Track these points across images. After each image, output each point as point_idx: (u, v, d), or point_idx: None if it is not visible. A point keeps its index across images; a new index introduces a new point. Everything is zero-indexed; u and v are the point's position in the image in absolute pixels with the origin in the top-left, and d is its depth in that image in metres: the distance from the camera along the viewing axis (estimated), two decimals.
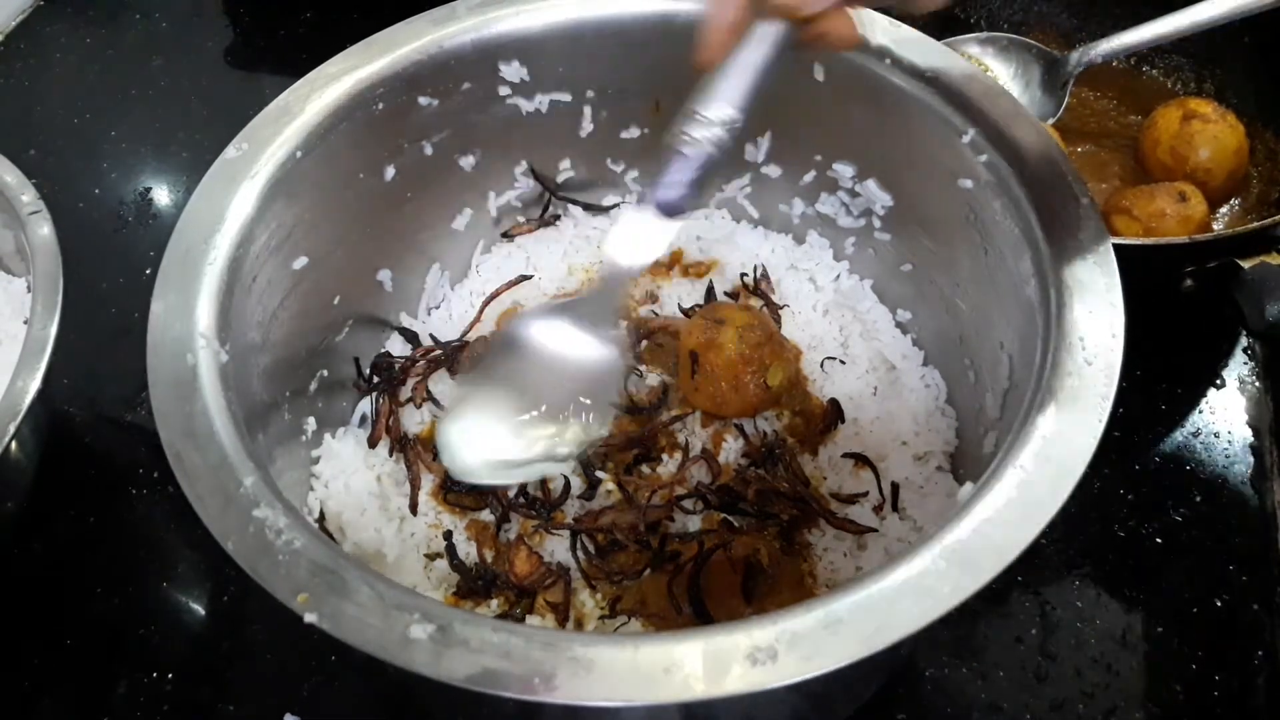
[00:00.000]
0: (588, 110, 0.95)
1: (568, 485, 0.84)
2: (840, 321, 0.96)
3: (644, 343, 0.93)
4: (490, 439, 0.70)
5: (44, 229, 0.89)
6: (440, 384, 0.92)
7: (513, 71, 0.90)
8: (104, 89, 1.37)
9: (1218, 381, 1.01)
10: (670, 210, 0.66)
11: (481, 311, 0.96)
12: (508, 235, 1.02)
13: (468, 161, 0.95)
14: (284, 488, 0.65)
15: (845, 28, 0.64)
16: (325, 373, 0.88)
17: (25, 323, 0.84)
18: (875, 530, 0.81)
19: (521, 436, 0.70)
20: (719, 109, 0.63)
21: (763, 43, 0.63)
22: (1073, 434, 0.62)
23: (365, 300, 0.94)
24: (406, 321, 0.98)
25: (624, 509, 0.82)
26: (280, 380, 0.81)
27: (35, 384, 0.80)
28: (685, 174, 0.64)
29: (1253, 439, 0.97)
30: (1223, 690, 0.82)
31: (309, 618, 0.55)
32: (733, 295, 0.97)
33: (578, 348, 0.71)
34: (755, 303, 0.95)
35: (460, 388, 0.73)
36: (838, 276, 0.98)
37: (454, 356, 0.91)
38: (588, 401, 0.70)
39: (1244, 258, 0.89)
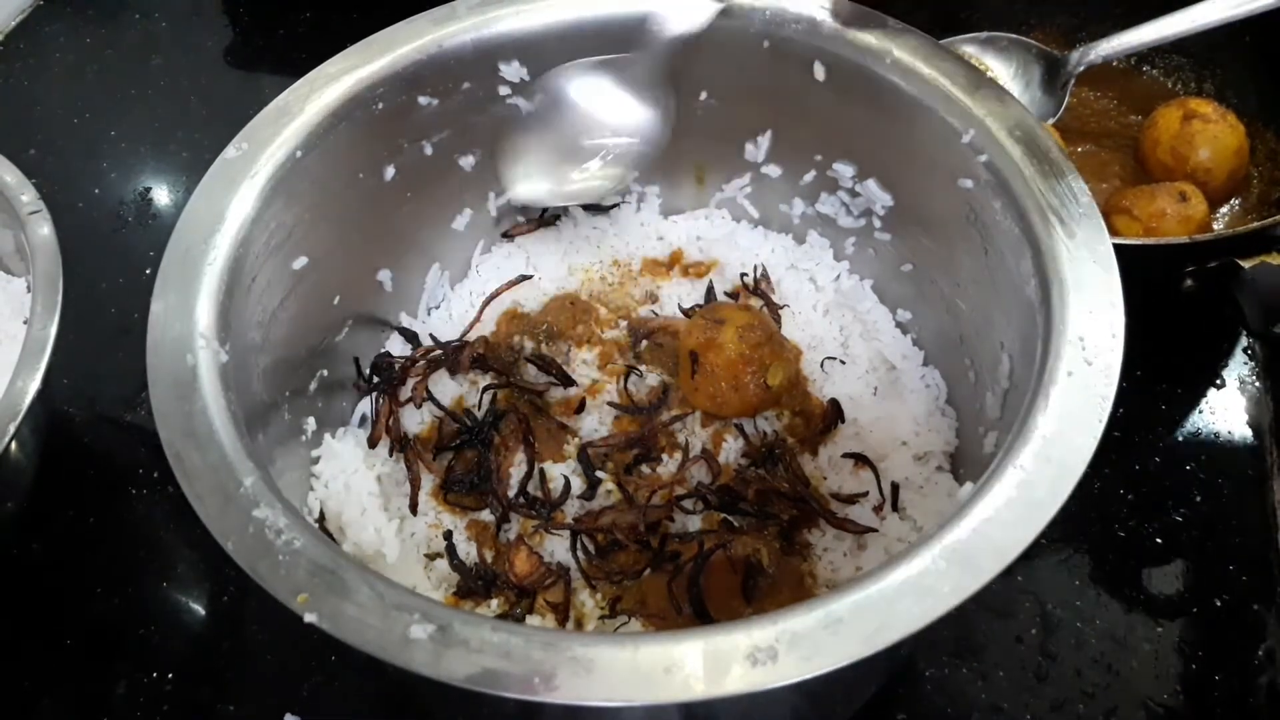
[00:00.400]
0: None
1: (568, 485, 0.84)
2: (840, 321, 0.96)
3: (644, 343, 0.93)
4: (543, 167, 0.87)
5: (44, 229, 0.89)
6: (440, 384, 0.92)
7: (513, 71, 0.90)
8: (103, 88, 1.37)
9: (1218, 381, 1.01)
10: None
11: (481, 311, 0.96)
12: (508, 235, 1.02)
13: (468, 161, 0.95)
14: (284, 488, 0.65)
15: None
16: (325, 373, 0.88)
17: (25, 323, 0.84)
18: (875, 530, 0.81)
19: (569, 167, 0.87)
20: None
21: None
22: (1073, 434, 0.62)
23: (365, 300, 0.94)
24: (406, 321, 0.98)
25: (624, 509, 0.82)
26: (280, 380, 0.81)
27: (35, 384, 0.80)
28: None
29: (1253, 439, 0.97)
30: (1223, 690, 0.82)
31: (309, 618, 0.55)
32: (733, 295, 0.97)
33: (621, 103, 0.85)
34: (755, 303, 0.95)
35: (516, 130, 0.88)
36: (838, 276, 0.98)
37: (454, 356, 0.91)
38: (627, 147, 0.86)
39: (1244, 258, 0.89)
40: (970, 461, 0.85)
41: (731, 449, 0.86)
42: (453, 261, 1.01)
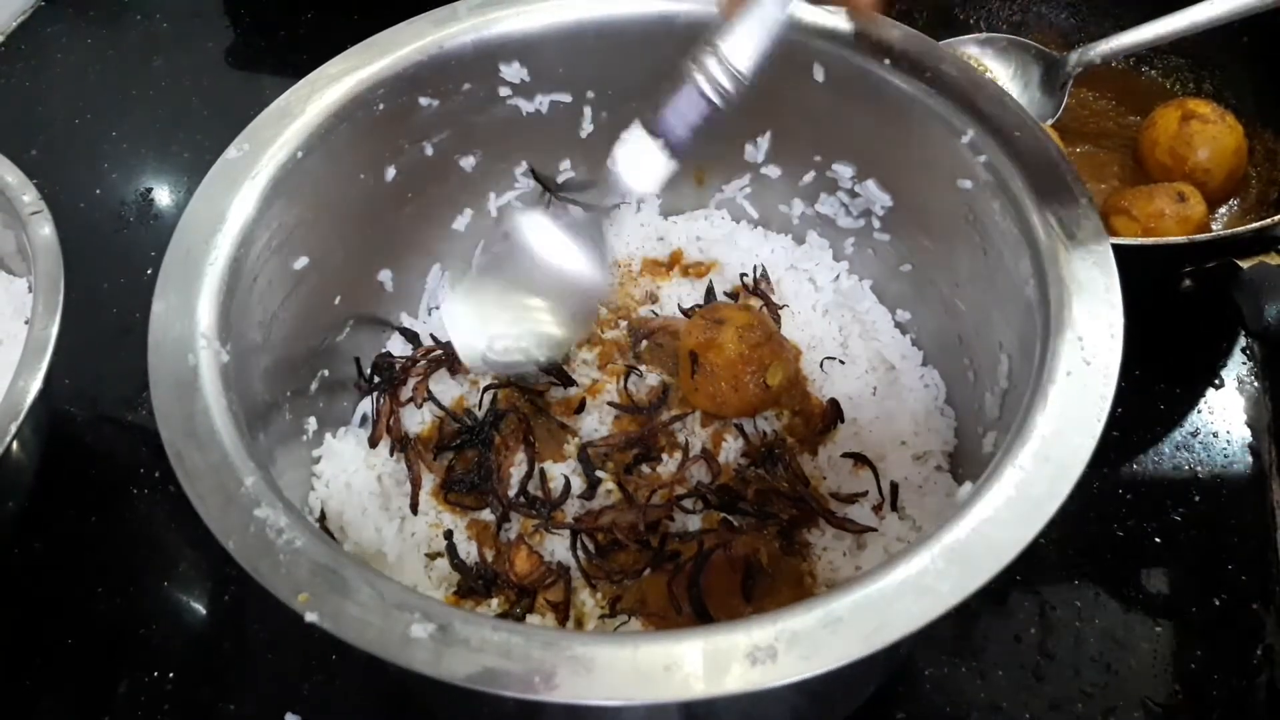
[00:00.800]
0: (588, 111, 0.96)
1: (568, 485, 0.84)
2: (840, 321, 0.96)
3: (644, 343, 0.93)
4: (484, 326, 0.79)
5: (45, 229, 0.90)
6: (441, 384, 0.92)
7: (513, 72, 0.90)
8: (105, 89, 1.37)
9: (1216, 381, 1.01)
10: (672, 145, 0.72)
11: None
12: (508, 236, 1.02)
13: (468, 162, 0.95)
14: (285, 487, 0.65)
15: None
16: (326, 373, 0.88)
17: (26, 323, 0.85)
18: (874, 530, 0.81)
19: (512, 328, 0.80)
20: (732, 50, 0.68)
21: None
22: (1071, 434, 0.62)
23: (366, 300, 0.94)
24: (407, 321, 0.98)
25: (624, 508, 0.82)
26: (281, 380, 0.81)
27: (37, 384, 0.80)
28: (690, 112, 0.70)
29: (1251, 439, 0.97)
30: (1221, 690, 0.82)
31: (310, 617, 0.56)
32: (732, 295, 0.97)
33: (566, 257, 0.80)
34: (755, 303, 0.95)
35: (462, 278, 0.82)
36: (837, 277, 0.98)
37: (454, 356, 0.92)
38: (571, 307, 0.80)
39: (1243, 258, 0.89)
40: (969, 461, 0.85)
41: (731, 449, 0.86)
42: (453, 261, 1.01)
